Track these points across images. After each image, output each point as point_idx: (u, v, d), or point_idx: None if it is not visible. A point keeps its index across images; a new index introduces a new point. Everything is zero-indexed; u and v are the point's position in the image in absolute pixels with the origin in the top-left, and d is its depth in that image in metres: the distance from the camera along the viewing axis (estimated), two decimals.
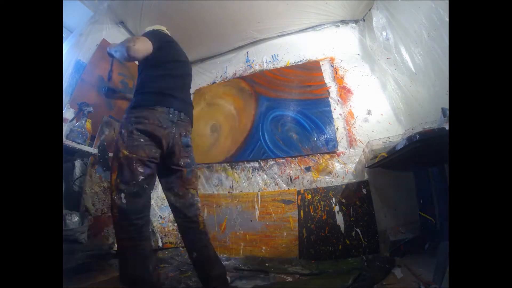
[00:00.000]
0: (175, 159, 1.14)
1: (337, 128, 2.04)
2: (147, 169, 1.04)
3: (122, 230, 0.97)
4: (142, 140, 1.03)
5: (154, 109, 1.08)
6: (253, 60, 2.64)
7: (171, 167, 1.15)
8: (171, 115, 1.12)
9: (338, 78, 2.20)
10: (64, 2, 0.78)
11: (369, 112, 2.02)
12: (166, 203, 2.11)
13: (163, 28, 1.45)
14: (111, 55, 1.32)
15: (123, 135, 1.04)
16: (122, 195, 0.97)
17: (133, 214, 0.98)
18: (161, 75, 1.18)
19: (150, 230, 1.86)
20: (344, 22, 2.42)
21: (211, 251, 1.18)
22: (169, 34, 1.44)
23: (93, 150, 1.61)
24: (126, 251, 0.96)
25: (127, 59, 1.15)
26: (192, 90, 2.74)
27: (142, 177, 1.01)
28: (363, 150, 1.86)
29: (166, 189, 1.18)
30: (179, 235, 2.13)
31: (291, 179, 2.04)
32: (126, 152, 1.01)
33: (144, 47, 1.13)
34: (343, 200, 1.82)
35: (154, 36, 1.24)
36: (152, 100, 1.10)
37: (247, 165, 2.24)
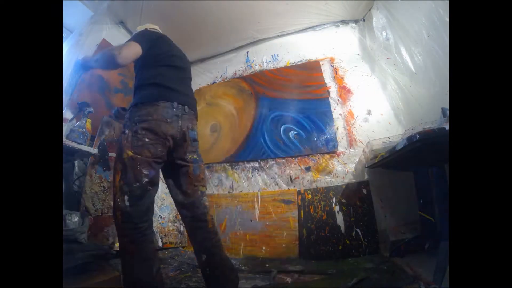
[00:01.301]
0: (182, 154, 1.10)
1: (337, 128, 2.05)
2: (151, 171, 1.01)
3: (125, 233, 0.96)
4: (147, 139, 1.00)
5: (157, 105, 1.04)
6: (253, 60, 2.64)
7: (178, 163, 1.10)
8: (175, 109, 1.07)
9: (338, 78, 2.20)
10: (64, 2, 0.78)
11: (369, 112, 2.02)
12: (166, 203, 2.12)
13: (154, 27, 1.42)
14: (87, 67, 1.26)
15: (127, 135, 1.01)
16: (126, 197, 0.95)
17: (136, 217, 0.95)
18: (159, 71, 1.15)
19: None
20: (344, 22, 2.42)
21: (222, 252, 1.10)
22: (160, 31, 1.41)
23: (93, 150, 1.61)
24: (129, 254, 0.94)
25: (115, 67, 1.13)
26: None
27: (146, 179, 0.98)
28: (363, 150, 1.86)
29: (173, 187, 1.13)
30: (179, 235, 2.14)
31: (291, 179, 2.04)
32: (130, 153, 0.98)
33: (132, 51, 1.10)
34: (343, 200, 1.82)
35: (143, 37, 1.21)
36: (154, 96, 1.07)
37: (247, 165, 2.24)
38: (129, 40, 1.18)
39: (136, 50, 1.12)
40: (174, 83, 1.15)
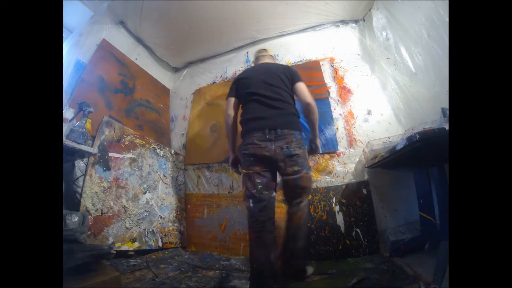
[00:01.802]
0: (282, 171, 1.30)
1: (337, 128, 2.05)
2: (263, 179, 1.29)
3: (251, 225, 1.27)
4: (252, 159, 1.30)
5: (252, 135, 1.31)
6: (253, 60, 2.64)
7: (283, 178, 1.32)
8: (267, 136, 1.29)
9: (338, 78, 2.20)
10: (64, 2, 0.78)
11: (369, 112, 2.02)
12: (166, 203, 2.12)
13: (263, 48, 1.79)
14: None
15: (241, 158, 1.38)
16: (250, 200, 1.29)
17: (257, 213, 1.26)
18: (246, 106, 1.44)
19: (150, 230, 1.87)
20: (344, 22, 2.42)
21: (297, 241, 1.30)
22: (262, 56, 1.71)
23: (93, 150, 1.61)
24: (252, 241, 1.25)
25: (228, 129, 1.53)
26: (192, 90, 2.81)
27: (260, 186, 1.28)
28: (363, 150, 1.86)
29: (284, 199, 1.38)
30: (179, 235, 2.14)
31: None
32: (245, 171, 1.33)
33: (229, 107, 1.51)
34: (343, 200, 1.82)
35: (231, 87, 1.56)
36: (248, 128, 1.35)
37: None
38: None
39: (231, 103, 1.51)
40: (261, 112, 1.36)
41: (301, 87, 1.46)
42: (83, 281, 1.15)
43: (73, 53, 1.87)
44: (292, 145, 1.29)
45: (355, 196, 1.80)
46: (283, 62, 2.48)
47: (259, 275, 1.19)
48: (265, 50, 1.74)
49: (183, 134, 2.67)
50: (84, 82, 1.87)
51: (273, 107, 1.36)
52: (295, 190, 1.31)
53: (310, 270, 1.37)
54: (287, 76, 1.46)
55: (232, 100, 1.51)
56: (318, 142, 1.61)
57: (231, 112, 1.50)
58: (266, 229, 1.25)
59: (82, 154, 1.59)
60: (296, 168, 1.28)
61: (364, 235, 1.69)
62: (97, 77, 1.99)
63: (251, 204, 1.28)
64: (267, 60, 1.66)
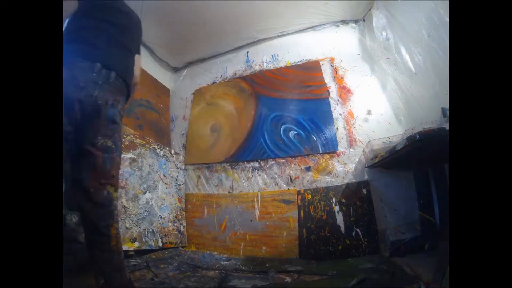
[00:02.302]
0: (89, 136, 0.84)
1: (337, 128, 2.05)
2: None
3: None
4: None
5: (73, 65, 0.82)
6: (253, 60, 2.64)
7: (83, 147, 0.83)
8: (95, 74, 0.84)
9: (338, 78, 2.20)
10: (64, 2, 0.78)
11: (369, 112, 2.02)
12: (166, 203, 2.12)
13: None
14: None
15: None
16: None
17: None
18: (83, 22, 0.92)
19: (150, 230, 1.87)
20: (344, 22, 2.42)
21: (124, 277, 0.89)
22: None
23: None
24: None
25: None
26: (192, 90, 2.81)
27: None
28: (363, 150, 1.86)
29: (69, 180, 0.85)
30: (179, 235, 2.14)
31: (291, 179, 2.04)
32: None
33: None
34: (343, 200, 1.82)
35: None
36: (71, 52, 0.83)
37: (247, 165, 2.24)
38: None
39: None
40: (102, 40, 0.90)
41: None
42: (83, 281, 1.15)
43: None
44: (117, 105, 0.91)
45: (355, 196, 1.80)
46: (283, 62, 2.48)
47: None
48: None
49: (183, 134, 2.67)
50: None
51: (122, 48, 1.00)
52: (99, 180, 0.86)
53: None
54: None
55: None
56: None
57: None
58: None
59: None
60: (110, 144, 0.88)
61: (364, 235, 1.69)
62: None
63: None
64: None
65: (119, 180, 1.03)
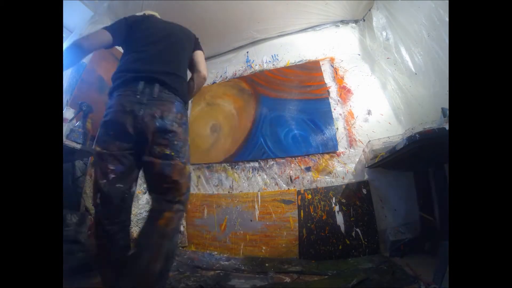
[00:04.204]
0: (147, 149, 0.90)
1: (337, 128, 2.05)
2: (119, 166, 0.87)
3: (95, 235, 0.87)
4: (111, 132, 0.89)
5: (120, 95, 0.91)
6: (253, 60, 2.64)
7: (144, 159, 0.90)
8: (138, 96, 0.90)
9: (338, 78, 2.20)
10: (64, 2, 0.78)
11: (369, 112, 2.02)
12: None
13: (152, 13, 1.38)
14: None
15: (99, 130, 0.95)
16: (98, 195, 0.86)
17: (105, 218, 0.86)
18: (130, 58, 1.00)
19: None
20: (344, 22, 2.42)
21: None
22: (155, 15, 1.35)
23: (93, 150, 1.61)
24: (98, 259, 0.86)
25: (84, 52, 1.00)
26: None
27: (113, 176, 0.86)
28: (363, 150, 1.86)
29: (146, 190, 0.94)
30: (179, 234, 2.14)
31: (291, 179, 2.04)
32: (98, 148, 0.91)
33: (98, 40, 1.03)
34: (343, 200, 1.82)
35: (118, 23, 1.11)
36: (119, 86, 0.93)
37: (247, 165, 2.24)
38: (103, 27, 1.08)
39: (103, 38, 1.02)
40: (144, 63, 0.97)
41: (200, 54, 1.23)
42: (83, 281, 1.15)
43: None
44: (167, 116, 0.93)
45: (355, 196, 1.80)
46: (283, 62, 2.48)
47: None
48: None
49: None
50: (84, 82, 1.87)
51: (166, 59, 1.04)
52: (161, 184, 0.91)
53: None
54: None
55: (105, 35, 1.04)
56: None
57: (95, 44, 1.04)
58: (117, 244, 0.87)
59: (82, 154, 1.59)
60: (167, 152, 0.91)
61: (364, 235, 1.69)
62: (97, 77, 1.99)
63: (98, 201, 0.87)
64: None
65: None
